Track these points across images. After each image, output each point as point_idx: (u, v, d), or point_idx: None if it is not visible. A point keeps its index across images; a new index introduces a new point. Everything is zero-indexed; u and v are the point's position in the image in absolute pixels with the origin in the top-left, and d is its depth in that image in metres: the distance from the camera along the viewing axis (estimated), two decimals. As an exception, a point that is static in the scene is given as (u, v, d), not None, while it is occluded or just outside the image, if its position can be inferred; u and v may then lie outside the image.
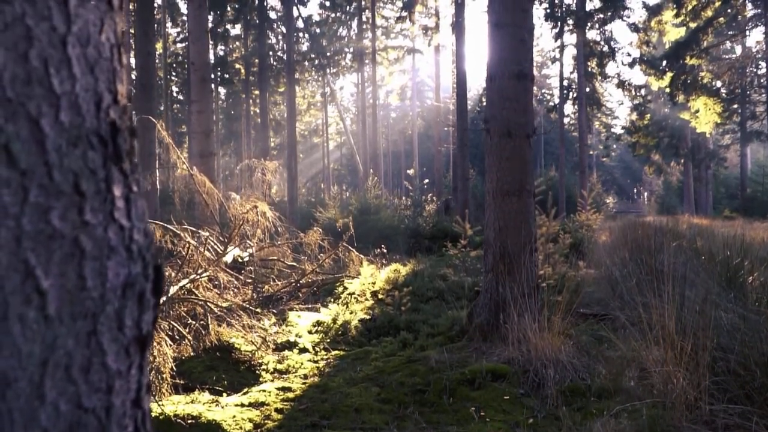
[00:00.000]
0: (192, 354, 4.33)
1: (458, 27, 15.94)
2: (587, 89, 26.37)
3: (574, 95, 28.96)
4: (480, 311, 4.48)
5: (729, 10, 21.79)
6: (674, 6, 20.73)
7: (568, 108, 34.89)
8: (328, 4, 30.57)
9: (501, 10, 4.36)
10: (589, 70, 26.40)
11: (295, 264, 7.57)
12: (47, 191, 0.51)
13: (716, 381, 3.10)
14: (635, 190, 69.45)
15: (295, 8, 24.03)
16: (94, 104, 0.55)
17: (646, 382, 3.47)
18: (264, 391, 3.71)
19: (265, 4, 25.68)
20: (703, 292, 4.42)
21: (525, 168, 4.42)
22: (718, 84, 26.18)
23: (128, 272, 0.58)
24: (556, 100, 37.90)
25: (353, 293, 6.56)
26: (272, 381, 4.02)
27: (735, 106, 28.57)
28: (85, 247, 0.53)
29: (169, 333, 4.42)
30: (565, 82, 30.49)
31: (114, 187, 0.56)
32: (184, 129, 34.55)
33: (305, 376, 4.15)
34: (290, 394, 3.67)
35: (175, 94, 36.56)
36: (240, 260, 7.48)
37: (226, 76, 31.09)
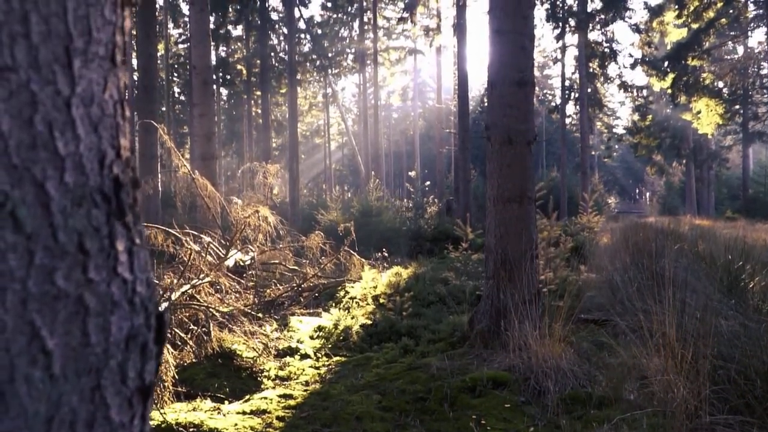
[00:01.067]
0: (194, 360, 4.35)
1: (459, 29, 15.95)
2: (589, 90, 26.36)
3: (576, 96, 28.98)
4: (481, 318, 4.49)
5: (731, 11, 21.76)
6: (676, 7, 20.72)
7: (570, 108, 34.91)
8: (329, 5, 30.60)
9: (502, 16, 4.37)
10: (591, 71, 26.40)
11: (296, 267, 7.58)
12: (52, 252, 0.52)
13: (716, 390, 3.10)
14: (637, 191, 69.41)
15: (296, 9, 24.05)
16: (97, 162, 0.56)
17: (646, 390, 3.48)
18: (266, 398, 3.72)
19: (266, 5, 25.72)
20: (704, 299, 4.43)
21: (526, 175, 4.43)
22: (720, 84, 26.16)
23: (131, 325, 0.59)
24: (558, 101, 37.91)
25: (355, 297, 6.57)
26: (274, 388, 4.04)
27: (737, 107, 28.54)
28: (89, 305, 0.55)
29: (171, 339, 4.44)
30: (567, 83, 30.51)
31: (117, 243, 0.57)
32: (186, 129, 34.60)
33: (307, 383, 4.16)
34: (292, 402, 3.68)
35: (176, 95, 36.63)
36: (242, 263, 7.50)
37: (228, 77, 31.14)
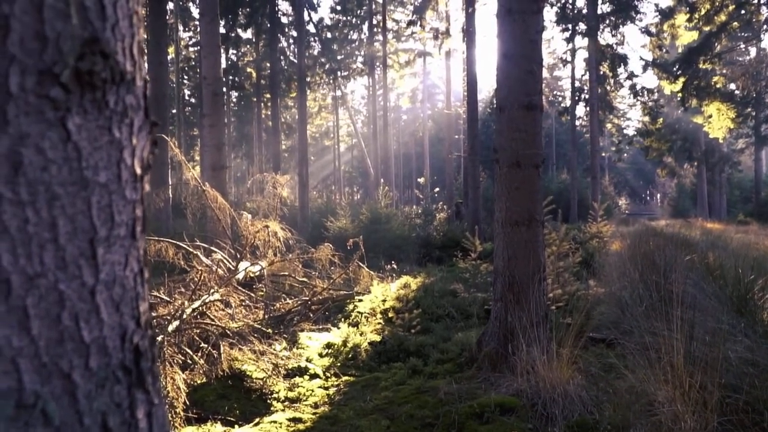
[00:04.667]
0: (204, 380, 4.40)
1: (469, 36, 15.95)
2: (599, 90, 26.26)
3: (586, 97, 28.88)
4: (489, 340, 4.51)
5: (743, 12, 21.60)
6: (687, 10, 20.60)
7: (580, 110, 34.76)
8: (339, 8, 30.65)
9: (509, 40, 4.39)
10: (601, 73, 26.30)
11: (306, 280, 7.62)
12: (78, 437, 0.55)
13: (724, 422, 3.11)
14: (648, 192, 69.02)
15: (306, 13, 24.13)
16: (119, 339, 0.60)
17: (654, 418, 3.49)
18: (275, 422, 3.77)
19: (276, 9, 25.80)
20: (713, 322, 4.43)
21: (534, 197, 4.45)
22: (732, 87, 25.97)
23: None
24: (568, 102, 37.77)
25: (363, 312, 6.61)
26: (283, 410, 4.08)
27: (749, 110, 28.31)
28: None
29: (182, 359, 4.49)
30: (577, 84, 30.41)
31: (138, 411, 0.61)
32: (196, 132, 34.81)
33: (316, 405, 4.20)
34: (301, 426, 3.72)
35: (187, 98, 36.86)
36: (252, 275, 7.56)
37: (238, 80, 31.29)
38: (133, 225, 0.63)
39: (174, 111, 29.36)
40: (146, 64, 0.63)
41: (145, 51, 0.64)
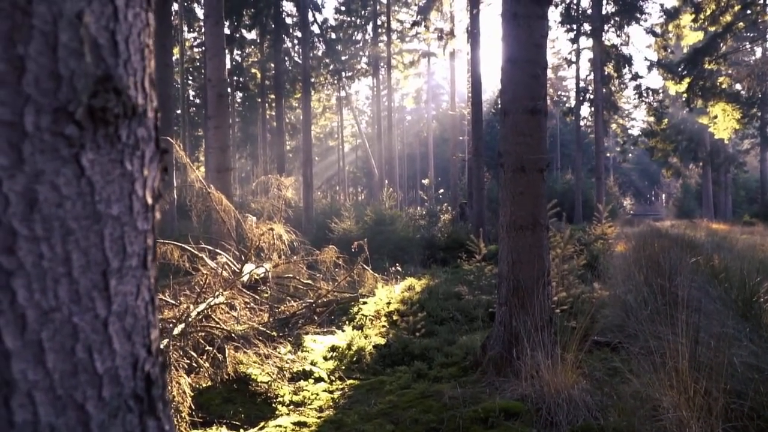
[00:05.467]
0: (209, 384, 4.41)
1: (473, 37, 15.95)
2: (603, 90, 26.21)
3: (591, 97, 28.81)
4: (494, 344, 4.52)
5: (749, 12, 21.52)
6: (692, 11, 20.54)
7: (584, 110, 34.72)
8: (343, 8, 30.68)
9: (514, 45, 4.39)
10: (606, 74, 26.24)
11: (310, 282, 7.64)
12: (91, 468, 0.56)
13: (728, 429, 3.11)
14: (653, 192, 68.84)
15: (310, 14, 24.16)
16: (131, 368, 0.61)
17: (659, 424, 3.48)
18: (280, 426, 3.78)
19: (281, 10, 25.84)
20: (718, 327, 4.42)
21: (538, 202, 4.45)
22: (738, 87, 25.87)
23: None
24: (572, 102, 37.71)
25: (368, 315, 6.62)
26: (288, 414, 4.09)
27: (755, 110, 28.20)
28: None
29: (188, 363, 4.51)
30: (581, 84, 30.35)
31: (149, 439, 0.62)
32: (200, 132, 34.89)
33: (320, 409, 4.21)
34: (306, 430, 3.73)
35: (191, 98, 36.97)
36: (256, 277, 7.58)
37: (242, 81, 31.34)
38: (144, 255, 0.64)
39: (179, 111, 29.46)
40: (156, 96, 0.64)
41: (155, 81, 0.65)
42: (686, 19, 21.68)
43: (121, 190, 0.60)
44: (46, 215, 0.53)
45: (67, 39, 0.53)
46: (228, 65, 23.45)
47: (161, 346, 0.84)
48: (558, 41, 59.98)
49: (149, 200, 0.64)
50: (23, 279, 0.51)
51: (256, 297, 6.84)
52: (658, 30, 24.42)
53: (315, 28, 28.55)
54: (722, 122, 20.43)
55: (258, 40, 30.46)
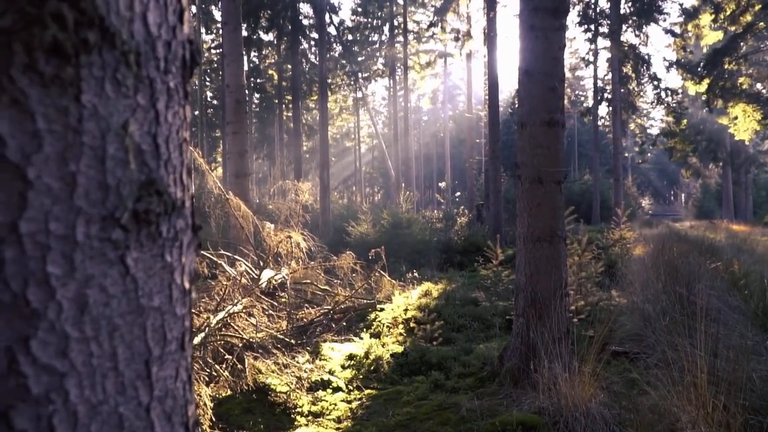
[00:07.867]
0: (229, 393, 4.47)
1: (490, 39, 15.91)
2: (621, 91, 25.99)
3: (609, 97, 28.59)
4: (511, 355, 4.53)
5: (770, 12, 21.21)
6: (712, 10, 20.30)
7: (602, 110, 34.44)
8: (360, 10, 30.73)
9: (531, 57, 4.40)
10: (624, 73, 26.02)
11: (328, 288, 7.69)
12: None
13: (748, 446, 3.10)
14: (672, 192, 68.08)
15: (327, 15, 24.23)
16: (171, 448, 0.64)
17: (677, 439, 3.48)
18: (298, 437, 3.83)
19: (297, 11, 25.94)
20: (738, 338, 4.39)
21: (556, 214, 4.45)
22: (759, 87, 25.50)
23: None
24: (590, 102, 37.42)
25: (385, 322, 6.65)
26: (306, 425, 4.14)
27: (776, 110, 27.78)
28: None
29: (207, 371, 4.57)
30: (599, 84, 30.13)
31: None
32: (218, 134, 35.17)
33: (338, 420, 4.25)
34: (324, 442, 3.77)
35: (209, 99, 37.29)
36: (275, 282, 7.64)
37: (259, 82, 31.53)
38: (182, 338, 0.67)
39: (196, 113, 29.72)
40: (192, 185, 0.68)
41: (192, 172, 0.68)
42: (706, 18, 21.42)
43: (162, 281, 0.63)
44: (95, 316, 0.56)
45: (114, 150, 0.56)
46: (245, 68, 23.59)
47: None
48: (575, 41, 59.46)
49: (186, 285, 0.68)
50: (75, 378, 0.55)
51: (274, 303, 6.90)
52: (677, 30, 24.18)
53: (332, 30, 28.64)
54: (743, 123, 20.17)
55: (275, 42, 30.61)
